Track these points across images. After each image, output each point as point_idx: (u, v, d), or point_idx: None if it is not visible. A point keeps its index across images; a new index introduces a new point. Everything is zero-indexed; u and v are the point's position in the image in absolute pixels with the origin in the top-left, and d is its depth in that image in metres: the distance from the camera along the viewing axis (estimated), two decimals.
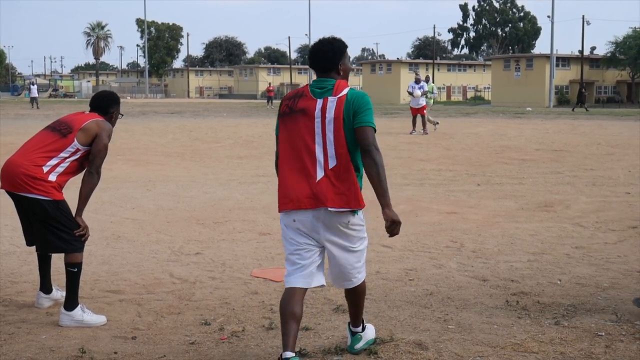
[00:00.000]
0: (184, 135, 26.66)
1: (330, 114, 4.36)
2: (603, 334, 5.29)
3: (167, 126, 32.36)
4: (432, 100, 28.87)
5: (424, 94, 27.10)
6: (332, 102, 4.38)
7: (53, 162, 5.56)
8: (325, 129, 4.35)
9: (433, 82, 29.37)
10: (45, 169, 5.53)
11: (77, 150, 5.65)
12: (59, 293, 6.08)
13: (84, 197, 5.68)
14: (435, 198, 11.80)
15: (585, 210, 10.58)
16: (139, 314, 5.82)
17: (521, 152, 19.80)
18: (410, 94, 27.19)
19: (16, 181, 5.50)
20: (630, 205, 11.04)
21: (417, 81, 27.52)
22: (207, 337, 5.26)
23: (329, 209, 4.35)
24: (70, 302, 5.58)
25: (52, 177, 5.54)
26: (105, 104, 5.96)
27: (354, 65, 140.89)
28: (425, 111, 27.07)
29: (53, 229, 5.54)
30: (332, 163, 4.34)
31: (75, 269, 5.59)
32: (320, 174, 4.35)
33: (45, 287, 6.01)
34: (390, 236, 4.48)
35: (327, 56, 4.52)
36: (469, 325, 5.48)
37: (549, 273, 7.06)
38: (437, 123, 28.55)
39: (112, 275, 7.00)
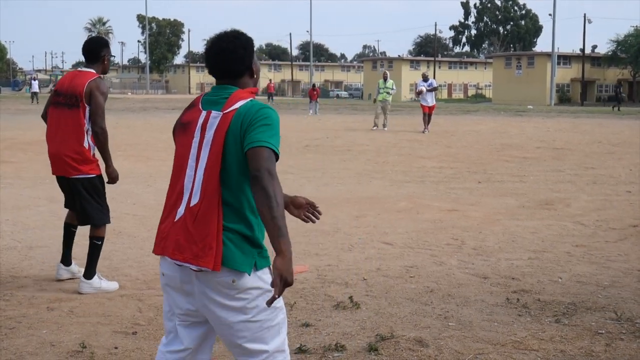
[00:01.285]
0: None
1: (209, 133, 3.14)
2: (603, 332, 5.29)
3: (168, 122, 32.31)
4: (382, 97, 27.99)
5: (434, 89, 27.00)
6: (214, 118, 3.15)
7: (83, 134, 6.19)
8: (201, 152, 3.15)
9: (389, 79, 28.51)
10: (86, 146, 6.21)
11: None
12: (76, 267, 6.63)
13: (103, 152, 6.29)
14: (436, 195, 11.80)
15: (586, 209, 10.58)
16: (140, 309, 5.82)
17: (522, 150, 19.79)
18: (419, 93, 27.12)
19: (65, 167, 6.21)
20: (631, 203, 11.04)
21: (425, 79, 27.43)
22: None
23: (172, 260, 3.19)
24: (90, 272, 6.26)
25: (93, 151, 6.27)
26: (96, 49, 6.32)
27: (355, 62, 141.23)
28: (433, 111, 27.00)
29: (94, 203, 6.26)
30: (194, 199, 3.12)
31: (100, 242, 6.34)
32: (180, 210, 3.17)
33: (67, 259, 6.58)
34: (269, 300, 2.98)
35: (233, 57, 3.27)
36: (470, 322, 5.48)
37: (549, 271, 7.06)
38: (383, 128, 27.77)
39: (113, 270, 7.00)
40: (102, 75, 6.40)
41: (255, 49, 3.43)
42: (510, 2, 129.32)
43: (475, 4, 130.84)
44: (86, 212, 6.27)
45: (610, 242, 8.35)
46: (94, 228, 6.32)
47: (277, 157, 3.06)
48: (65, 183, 6.35)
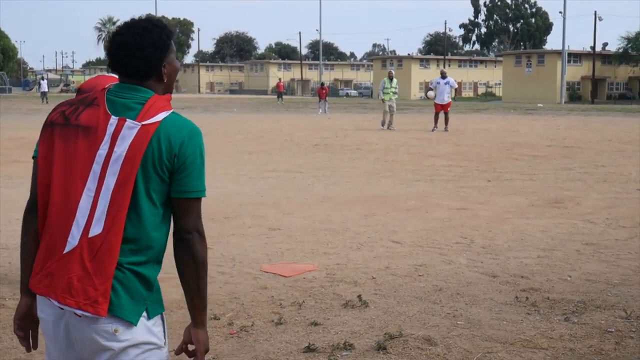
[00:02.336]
0: None
1: (121, 147, 2.47)
2: (613, 330, 5.27)
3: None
4: (391, 96, 27.63)
5: (455, 91, 26.81)
6: (130, 129, 2.48)
7: None
8: (107, 169, 2.47)
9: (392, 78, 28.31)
10: None
11: None
12: None
13: None
14: (445, 194, 11.78)
15: (596, 207, 10.54)
16: None
17: (532, 149, 19.74)
18: (430, 89, 27.03)
19: None
20: None
21: (444, 75, 27.15)
22: (216, 331, 5.27)
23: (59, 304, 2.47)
24: None
25: None
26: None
27: (364, 61, 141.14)
28: (449, 108, 26.72)
29: None
30: (96, 229, 2.44)
31: None
32: (72, 241, 2.46)
33: None
34: None
35: (138, 55, 2.58)
36: (479, 321, 5.47)
37: (559, 269, 7.04)
38: (389, 126, 27.51)
39: None
40: None
41: (172, 45, 2.71)
42: (521, 0, 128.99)
43: (485, 2, 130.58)
44: None
45: (620, 241, 8.33)
46: None
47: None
48: None
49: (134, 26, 2.62)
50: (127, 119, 2.49)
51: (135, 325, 2.46)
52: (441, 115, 26.50)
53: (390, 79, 27.91)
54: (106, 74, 6.49)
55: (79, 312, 2.41)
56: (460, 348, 4.91)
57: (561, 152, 18.78)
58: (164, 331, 2.62)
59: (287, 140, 22.59)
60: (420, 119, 34.19)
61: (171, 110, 2.58)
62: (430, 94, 26.71)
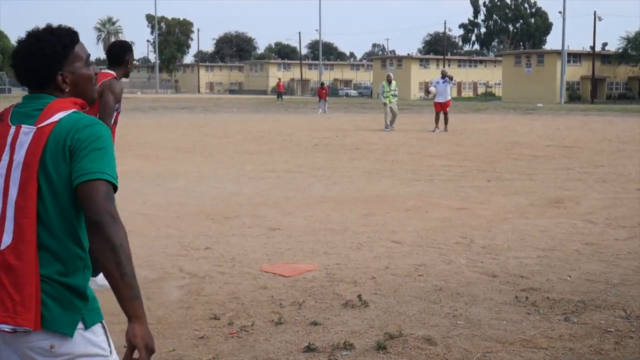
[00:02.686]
0: (194, 130, 26.71)
1: (20, 154, 2.42)
2: (613, 330, 5.27)
3: (178, 122, 32.43)
4: (391, 98, 27.35)
5: (451, 80, 26.82)
6: (26, 134, 2.42)
7: None
8: (10, 178, 2.42)
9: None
10: None
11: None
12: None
13: None
14: (445, 194, 11.78)
15: (595, 207, 10.55)
16: (149, 308, 5.83)
17: (532, 148, 19.74)
18: (430, 87, 27.05)
19: None
20: None
21: (444, 76, 27.10)
22: (216, 331, 5.27)
23: None
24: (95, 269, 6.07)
25: None
26: (120, 53, 6.55)
27: (364, 61, 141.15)
28: (448, 108, 26.62)
29: None
30: (6, 239, 2.38)
31: None
32: None
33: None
34: None
35: (30, 63, 2.51)
36: (478, 320, 5.47)
37: (558, 269, 7.04)
38: (390, 125, 27.28)
39: None
40: (117, 78, 6.52)
41: (74, 53, 2.57)
42: (520, 0, 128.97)
43: (484, 2, 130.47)
44: None
45: (619, 240, 8.33)
46: None
47: (115, 190, 2.43)
48: None
49: (29, 36, 2.54)
50: (23, 126, 2.44)
51: (72, 338, 2.35)
52: (441, 116, 26.37)
53: (389, 82, 27.79)
54: (103, 70, 6.52)
55: (1, 326, 2.30)
56: (460, 348, 4.91)
57: (561, 152, 18.79)
58: (108, 340, 2.51)
59: (287, 140, 22.60)
60: (420, 119, 34.20)
61: (71, 110, 2.48)
62: (432, 89, 26.77)
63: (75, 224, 2.43)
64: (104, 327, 2.50)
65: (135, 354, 2.41)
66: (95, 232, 2.33)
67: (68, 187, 2.38)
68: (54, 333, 2.33)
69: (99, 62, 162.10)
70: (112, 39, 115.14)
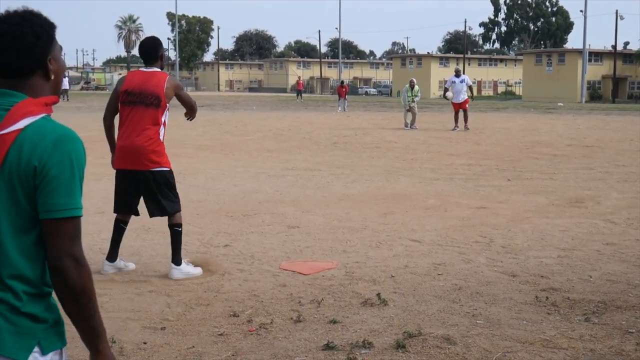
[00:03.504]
0: (214, 128, 26.78)
1: None
2: (634, 331, 5.24)
3: (197, 119, 32.35)
4: (410, 102, 27.39)
5: (470, 89, 26.34)
6: None
7: (162, 131, 6.67)
8: None
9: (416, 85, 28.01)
10: (163, 141, 6.66)
11: (167, 110, 6.74)
12: (122, 263, 6.87)
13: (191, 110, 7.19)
14: (464, 193, 11.74)
15: (616, 207, 10.47)
16: (169, 305, 5.86)
17: (552, 148, 19.64)
18: (446, 90, 26.75)
19: (142, 160, 6.50)
20: None
21: (458, 74, 26.87)
22: (235, 328, 5.28)
23: None
24: (178, 258, 6.68)
25: (164, 147, 6.67)
26: (155, 49, 6.74)
27: (384, 59, 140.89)
28: (467, 105, 26.34)
29: (168, 194, 6.64)
30: None
31: (180, 229, 6.72)
32: None
33: (113, 256, 6.78)
34: None
35: (16, 46, 2.21)
36: (498, 320, 5.45)
37: (579, 269, 7.00)
38: (411, 125, 27.29)
39: (142, 266, 7.05)
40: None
41: (55, 39, 2.31)
42: None
43: (505, 1, 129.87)
44: (161, 203, 6.63)
45: None
46: (171, 217, 6.70)
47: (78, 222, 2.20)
48: (134, 177, 6.61)
49: (10, 16, 2.23)
50: None
51: None
52: (461, 114, 26.19)
53: (412, 87, 27.79)
54: (145, 69, 6.76)
55: None
56: (479, 347, 4.89)
57: (582, 152, 18.67)
58: None
59: (306, 138, 22.61)
60: (440, 118, 34.10)
61: (41, 115, 2.19)
62: (449, 94, 26.48)
63: (34, 249, 2.18)
64: (62, 355, 2.27)
65: None
66: (56, 276, 2.15)
67: (29, 207, 2.15)
68: (7, 358, 2.14)
69: (119, 59, 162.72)
70: (133, 37, 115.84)
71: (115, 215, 6.89)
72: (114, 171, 6.81)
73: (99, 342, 2.23)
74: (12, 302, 2.13)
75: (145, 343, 5.00)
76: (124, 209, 6.79)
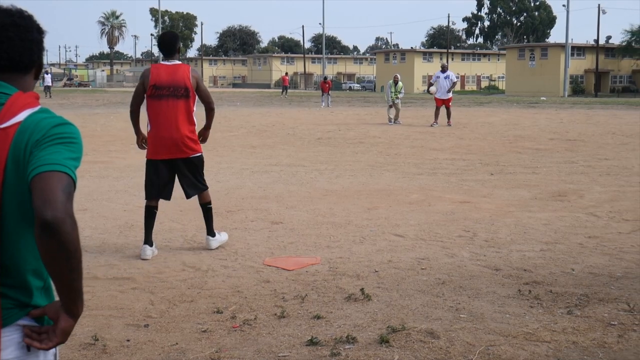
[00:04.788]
0: (198, 124, 26.62)
1: None
2: (616, 323, 5.27)
3: None
4: (394, 98, 27.19)
5: (453, 85, 26.03)
6: None
7: (194, 119, 7.31)
8: None
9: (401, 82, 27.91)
10: (195, 129, 7.36)
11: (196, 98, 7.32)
12: (155, 248, 7.38)
13: (211, 123, 7.75)
14: (448, 187, 11.77)
15: (599, 200, 10.53)
16: (152, 301, 5.85)
17: (535, 142, 19.72)
18: (431, 84, 26.61)
19: (182, 148, 7.18)
20: None
21: (444, 69, 26.53)
22: (219, 325, 5.27)
23: None
24: (213, 230, 7.54)
25: (196, 133, 7.41)
26: (174, 42, 7.28)
27: (367, 55, 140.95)
28: (450, 103, 26.17)
29: (199, 175, 7.42)
30: None
31: (210, 205, 7.57)
32: None
33: (150, 240, 7.29)
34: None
35: (27, 38, 2.20)
36: (481, 314, 5.47)
37: (562, 262, 7.03)
38: (395, 120, 27.20)
39: (125, 263, 7.03)
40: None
41: (38, 36, 2.26)
42: None
43: None
44: (197, 184, 7.40)
45: (623, 234, 8.32)
46: (203, 196, 7.48)
47: (75, 189, 2.08)
48: (172, 165, 7.26)
49: (15, 11, 2.19)
50: None
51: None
52: (443, 110, 26.03)
53: (395, 82, 27.67)
54: (168, 62, 7.23)
55: None
56: (462, 341, 4.91)
57: (564, 146, 18.76)
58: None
59: (290, 134, 22.59)
60: (424, 112, 34.15)
61: (38, 107, 2.16)
62: (432, 89, 26.34)
63: (28, 237, 2.13)
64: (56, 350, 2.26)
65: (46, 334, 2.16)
66: (48, 234, 1.97)
67: (27, 195, 2.06)
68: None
69: (102, 56, 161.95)
70: (116, 33, 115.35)
71: (144, 203, 7.47)
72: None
73: (78, 305, 2.14)
74: (18, 297, 2.13)
75: (128, 340, 4.98)
76: (158, 195, 7.34)
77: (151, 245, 7.29)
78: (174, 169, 7.32)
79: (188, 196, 7.50)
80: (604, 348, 4.80)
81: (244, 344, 4.89)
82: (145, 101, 7.23)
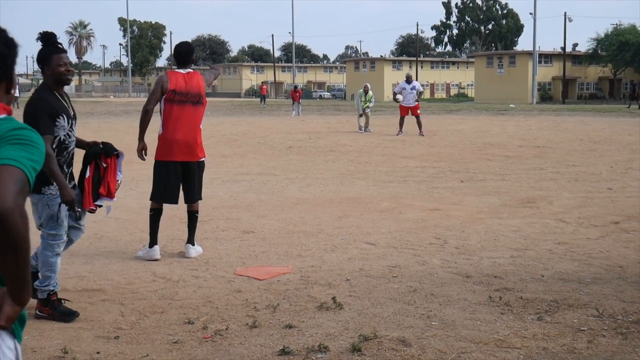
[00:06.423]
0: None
1: None
2: (585, 329, 5.31)
3: (150, 125, 32.08)
4: (365, 107, 27.17)
5: (420, 95, 25.60)
6: None
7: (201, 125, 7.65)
8: None
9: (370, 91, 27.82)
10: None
11: None
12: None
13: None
14: (418, 195, 11.81)
15: (567, 206, 10.62)
16: (122, 313, 5.80)
17: (504, 149, 19.86)
18: (395, 94, 26.31)
19: (196, 152, 7.51)
20: (613, 200, 11.10)
21: (409, 80, 25.90)
22: (190, 336, 5.24)
23: None
24: (193, 239, 7.70)
25: None
26: (191, 53, 7.57)
27: (337, 63, 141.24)
28: (419, 111, 25.39)
29: (202, 180, 7.77)
30: None
31: (198, 214, 7.79)
32: None
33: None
34: None
35: (6, 50, 2.29)
36: (452, 321, 5.49)
37: (531, 269, 7.08)
38: (366, 129, 27.19)
39: (95, 274, 6.96)
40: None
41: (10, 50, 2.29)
42: (492, 2, 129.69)
43: (456, 4, 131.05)
44: (199, 188, 7.69)
45: (592, 239, 8.39)
46: (194, 204, 7.70)
47: (29, 187, 2.11)
48: (184, 167, 7.51)
49: None
50: None
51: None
52: (409, 119, 25.42)
53: (365, 92, 27.49)
54: (184, 70, 7.49)
55: None
56: (434, 349, 4.92)
57: (533, 152, 18.91)
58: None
59: (261, 142, 22.56)
60: (394, 121, 34.20)
61: (3, 115, 2.21)
62: (399, 97, 25.87)
63: None
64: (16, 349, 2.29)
65: None
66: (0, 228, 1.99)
67: None
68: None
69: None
70: (84, 43, 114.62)
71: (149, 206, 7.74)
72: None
73: (24, 294, 2.15)
74: None
75: (98, 353, 4.93)
76: (167, 198, 7.59)
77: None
78: (183, 171, 7.54)
79: (192, 201, 7.66)
80: (574, 354, 4.84)
81: (216, 355, 4.87)
82: (161, 104, 7.54)
